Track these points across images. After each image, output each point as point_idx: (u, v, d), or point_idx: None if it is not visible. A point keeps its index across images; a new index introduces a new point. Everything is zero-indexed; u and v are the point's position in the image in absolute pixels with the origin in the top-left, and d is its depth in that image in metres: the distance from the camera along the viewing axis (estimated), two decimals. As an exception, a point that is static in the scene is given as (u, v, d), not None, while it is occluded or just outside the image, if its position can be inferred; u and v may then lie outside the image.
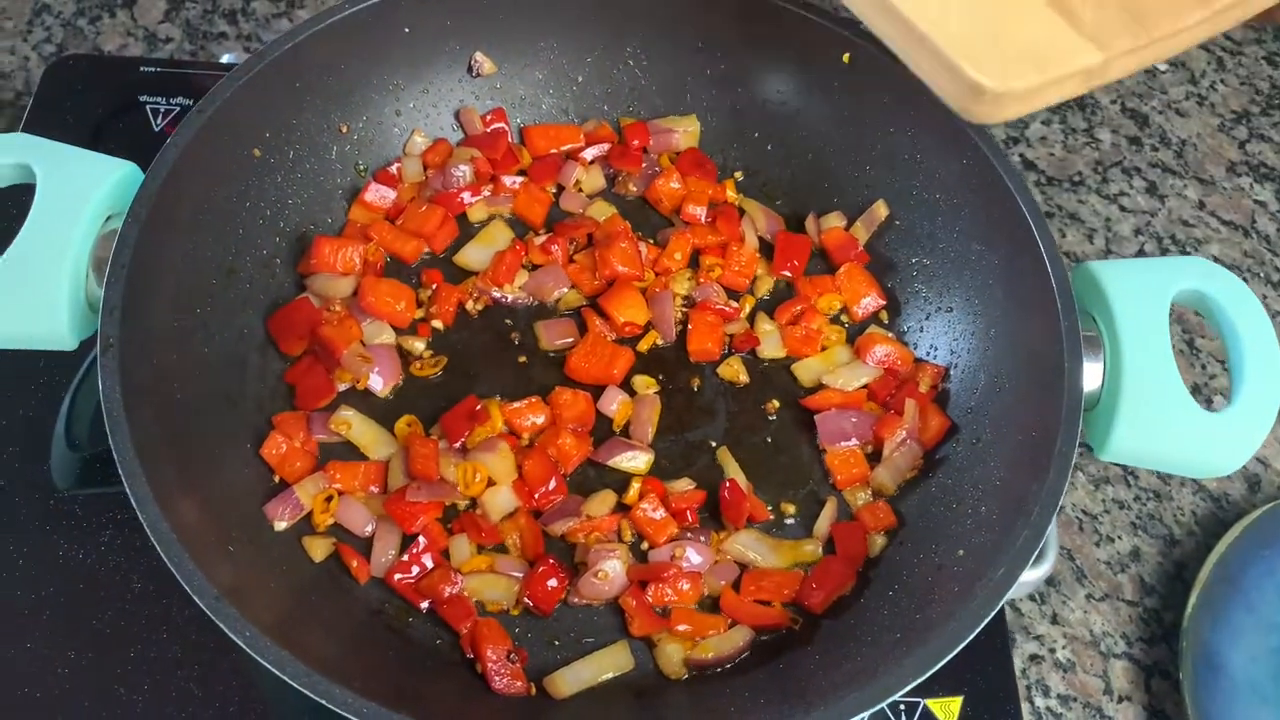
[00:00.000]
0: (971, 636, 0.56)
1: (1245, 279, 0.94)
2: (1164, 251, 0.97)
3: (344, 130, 0.77)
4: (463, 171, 0.79)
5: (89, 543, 0.71)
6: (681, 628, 0.65)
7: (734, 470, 0.71)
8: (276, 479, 0.68)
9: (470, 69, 0.80)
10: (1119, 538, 0.83)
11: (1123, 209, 0.99)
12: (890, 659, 0.57)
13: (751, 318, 0.78)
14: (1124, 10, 0.51)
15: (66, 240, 0.62)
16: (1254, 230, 0.98)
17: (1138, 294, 0.66)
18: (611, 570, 0.65)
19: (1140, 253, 0.97)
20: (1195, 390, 0.89)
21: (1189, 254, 0.97)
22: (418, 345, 0.74)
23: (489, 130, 0.81)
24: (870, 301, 0.77)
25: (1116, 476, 0.85)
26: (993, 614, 0.56)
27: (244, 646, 0.53)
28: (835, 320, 0.78)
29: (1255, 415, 0.63)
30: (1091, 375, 0.65)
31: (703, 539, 0.68)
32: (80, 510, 0.73)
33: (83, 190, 0.64)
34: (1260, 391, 0.64)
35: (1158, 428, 0.63)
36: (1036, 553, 0.59)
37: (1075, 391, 0.63)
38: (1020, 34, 0.49)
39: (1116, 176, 1.00)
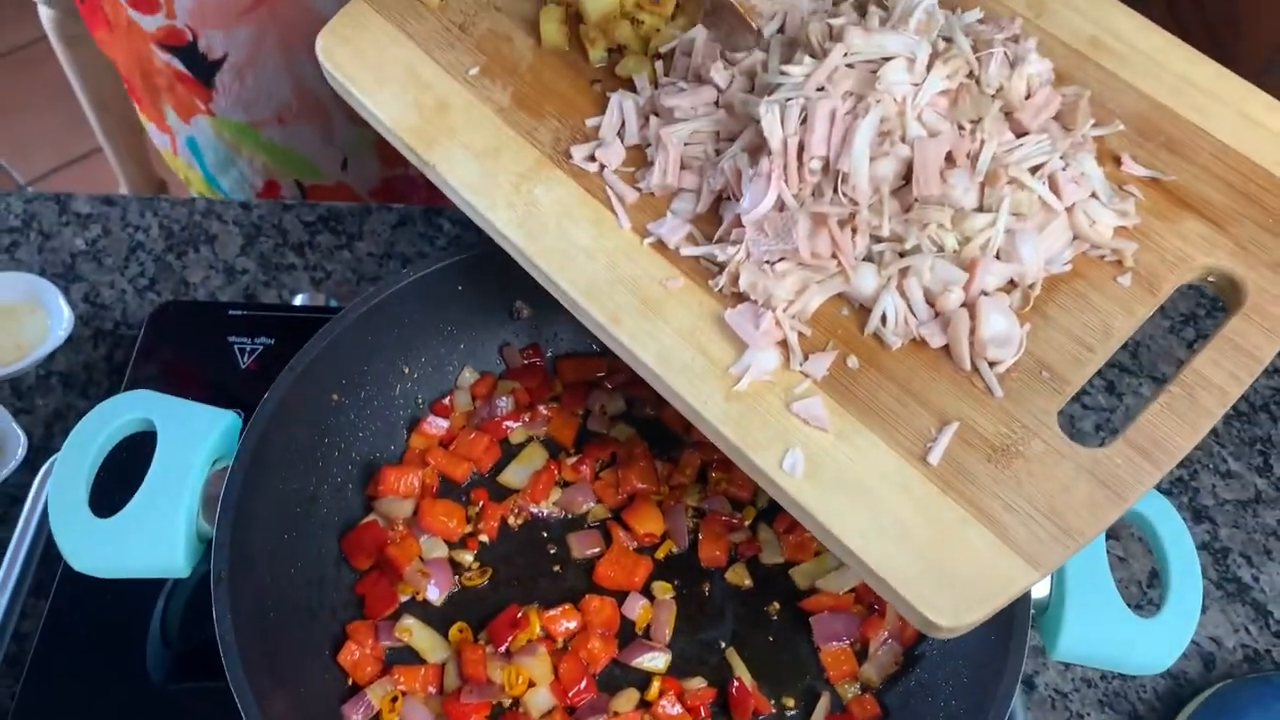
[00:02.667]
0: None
1: (1195, 469, 1.06)
2: (1123, 445, 1.09)
3: (406, 371, 0.91)
4: (505, 401, 0.92)
5: (185, 735, 0.83)
6: (698, 816, 0.75)
7: (740, 669, 0.81)
8: (350, 682, 0.80)
9: (512, 314, 0.95)
10: (1088, 714, 0.92)
11: (1084, 406, 1.11)
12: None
13: (754, 526, 0.89)
14: (1053, 525, 0.60)
15: (183, 485, 0.75)
16: (1203, 424, 1.10)
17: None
18: (636, 762, 0.76)
19: (1101, 446, 1.09)
20: (1120, 562, 1.00)
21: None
22: (467, 557, 0.86)
23: (527, 364, 0.95)
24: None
25: (1086, 665, 0.95)
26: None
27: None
28: (826, 528, 0.89)
29: (1182, 621, 0.74)
30: (1041, 585, 0.76)
31: (714, 733, 0.79)
32: (179, 704, 0.84)
33: (195, 441, 0.77)
34: (1185, 601, 0.74)
35: (1099, 634, 0.73)
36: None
37: (1025, 600, 0.74)
38: (964, 565, 0.58)
39: (1078, 376, 1.13)
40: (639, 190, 0.72)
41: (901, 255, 0.66)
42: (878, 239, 0.66)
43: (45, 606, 0.87)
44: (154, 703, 0.84)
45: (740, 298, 0.67)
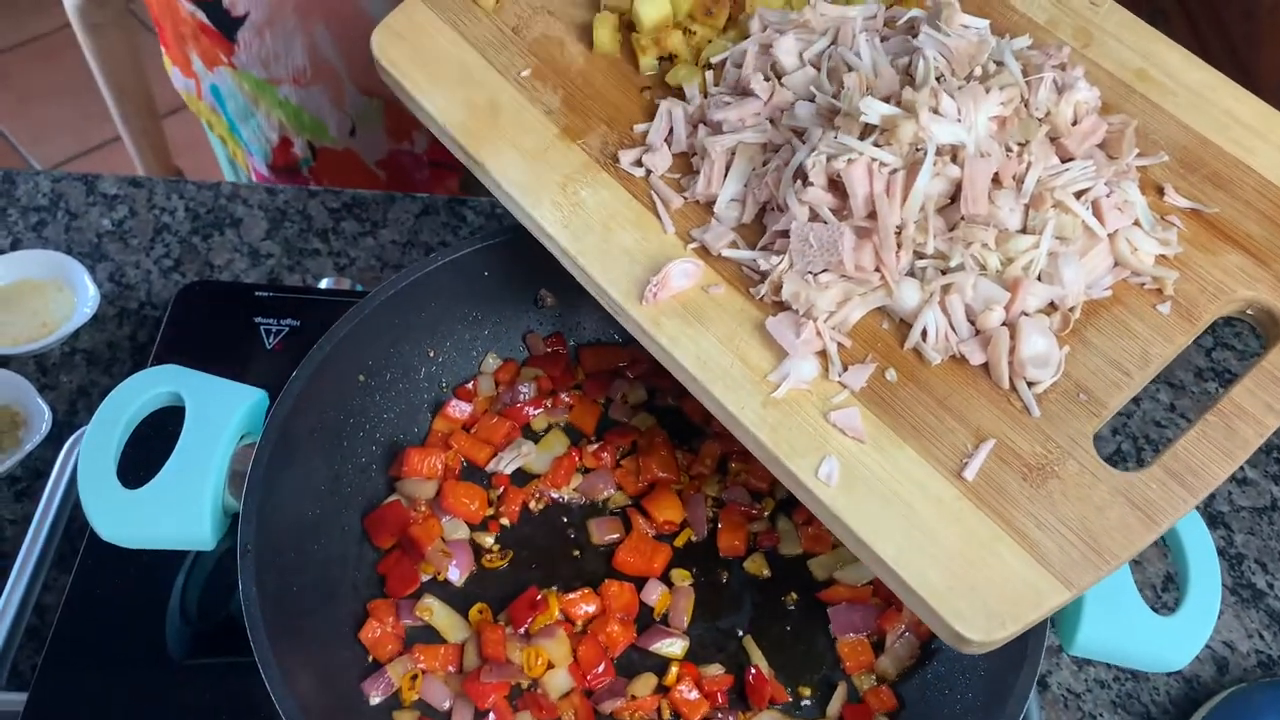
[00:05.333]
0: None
1: (1211, 476, 1.06)
2: (1139, 450, 1.09)
3: (431, 355, 0.92)
4: (528, 388, 0.93)
5: (202, 709, 0.83)
6: (713, 799, 0.76)
7: (758, 657, 0.82)
8: (370, 659, 0.80)
9: (536, 302, 0.95)
10: (1100, 715, 0.93)
11: (1101, 411, 1.11)
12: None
13: (773, 517, 0.90)
14: (1086, 546, 0.60)
15: (210, 458, 0.75)
16: (1219, 431, 1.11)
17: (1099, 511, 0.77)
18: (653, 745, 0.77)
19: (1118, 452, 1.09)
20: (1136, 565, 1.00)
21: (1159, 452, 1.09)
22: (488, 540, 0.87)
23: (550, 352, 0.96)
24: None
25: (1102, 661, 0.95)
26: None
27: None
28: (845, 521, 0.90)
29: (1200, 619, 0.74)
30: (1061, 581, 0.76)
31: (731, 718, 0.79)
32: (197, 678, 0.84)
33: (223, 415, 0.77)
34: (1204, 599, 0.74)
35: (1117, 629, 0.74)
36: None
37: (1046, 596, 0.74)
38: (996, 581, 0.59)
39: (1095, 381, 1.14)
40: (684, 197, 0.73)
41: (944, 272, 0.66)
42: (921, 255, 0.67)
43: (68, 580, 0.88)
44: (172, 676, 0.85)
45: (781, 306, 0.68)
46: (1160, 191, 0.72)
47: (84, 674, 0.84)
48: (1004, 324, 0.65)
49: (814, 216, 0.67)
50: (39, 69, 2.91)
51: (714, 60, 0.78)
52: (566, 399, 0.94)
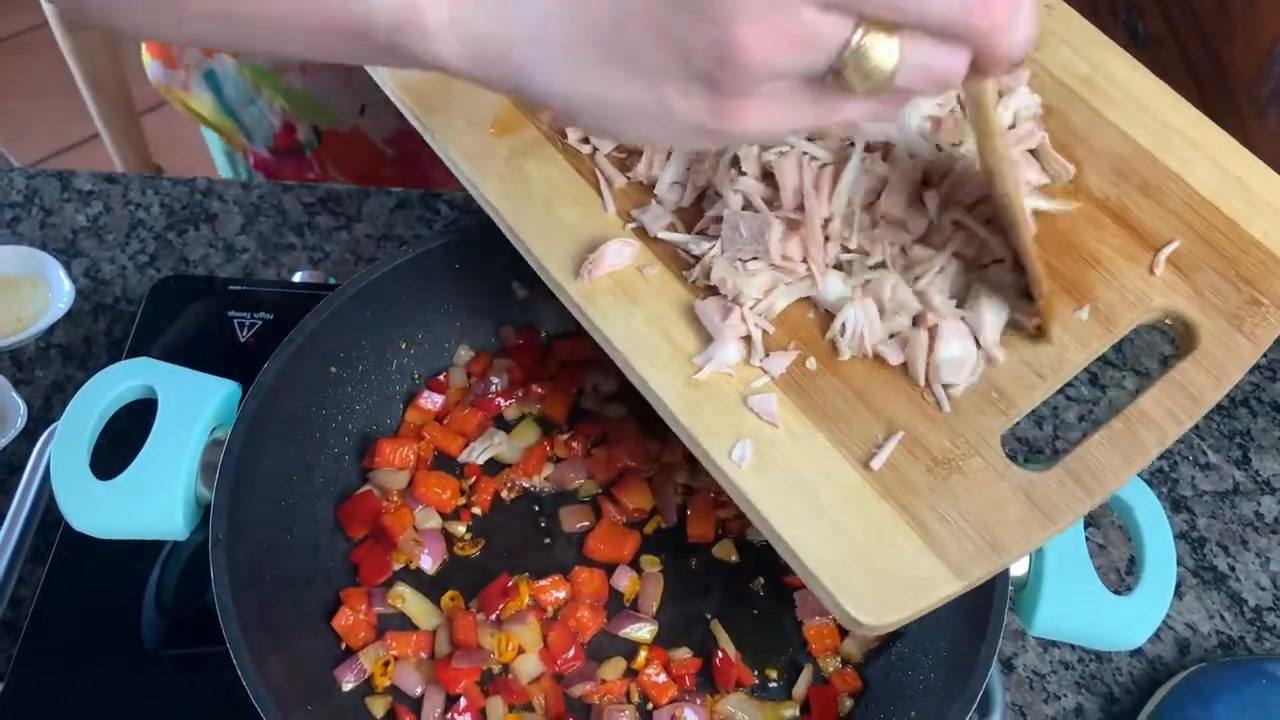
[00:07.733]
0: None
1: (1175, 461, 1.08)
2: (1104, 436, 1.11)
3: (403, 347, 0.93)
4: (500, 379, 0.94)
5: (177, 699, 0.84)
6: (680, 780, 0.77)
7: (725, 641, 0.83)
8: (343, 646, 0.81)
9: (509, 294, 0.96)
10: (1064, 695, 0.94)
11: (1068, 398, 1.13)
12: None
13: (741, 504, 0.91)
14: (982, 540, 0.61)
15: (182, 450, 0.76)
16: (1183, 417, 1.12)
17: (1059, 495, 0.79)
18: (621, 727, 0.78)
19: (1083, 437, 1.11)
20: (1100, 549, 1.02)
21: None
22: (460, 529, 0.88)
23: (522, 343, 0.97)
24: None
25: (1062, 641, 0.97)
26: (934, 770, 0.69)
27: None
28: (811, 507, 0.91)
29: (1156, 596, 0.76)
30: (1020, 562, 0.78)
31: (699, 701, 0.80)
32: (171, 668, 0.85)
33: (196, 408, 0.78)
34: (1159, 580, 0.76)
35: (1074, 609, 0.75)
36: (973, 714, 0.71)
37: (1004, 576, 0.76)
38: (891, 567, 0.59)
39: (1062, 369, 1.15)
40: (628, 177, 0.74)
41: (872, 268, 0.67)
42: (848, 250, 0.69)
43: (42, 573, 0.89)
44: (147, 667, 0.86)
45: (712, 291, 0.69)
46: None
47: (59, 665, 0.84)
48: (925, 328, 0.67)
49: (747, 205, 0.69)
50: (17, 66, 2.90)
51: None
52: (539, 389, 0.95)
